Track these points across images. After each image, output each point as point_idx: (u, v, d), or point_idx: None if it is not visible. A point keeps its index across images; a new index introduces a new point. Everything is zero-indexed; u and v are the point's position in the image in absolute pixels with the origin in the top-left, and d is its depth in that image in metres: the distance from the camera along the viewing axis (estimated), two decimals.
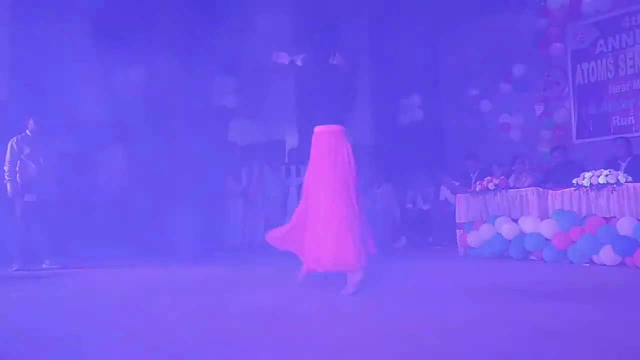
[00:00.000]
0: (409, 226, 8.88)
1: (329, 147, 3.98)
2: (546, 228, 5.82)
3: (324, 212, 3.84)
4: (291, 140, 9.39)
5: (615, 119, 7.90)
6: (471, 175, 7.94)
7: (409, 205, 9.06)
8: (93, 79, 7.07)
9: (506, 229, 6.20)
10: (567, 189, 5.89)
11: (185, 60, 8.18)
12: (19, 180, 6.00)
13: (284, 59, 4.26)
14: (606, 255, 5.26)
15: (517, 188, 6.59)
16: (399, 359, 2.17)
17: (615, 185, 5.42)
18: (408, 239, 8.66)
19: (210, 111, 8.45)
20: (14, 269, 5.81)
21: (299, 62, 4.24)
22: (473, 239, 6.60)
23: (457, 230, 7.06)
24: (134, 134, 7.44)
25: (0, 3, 6.84)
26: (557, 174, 6.82)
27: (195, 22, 7.93)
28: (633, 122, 7.68)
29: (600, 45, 8.08)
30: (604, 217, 5.46)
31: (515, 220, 6.25)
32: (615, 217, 5.37)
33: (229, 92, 8.50)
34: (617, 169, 5.98)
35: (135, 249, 6.52)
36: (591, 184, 5.58)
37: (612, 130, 7.83)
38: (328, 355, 2.21)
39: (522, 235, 6.08)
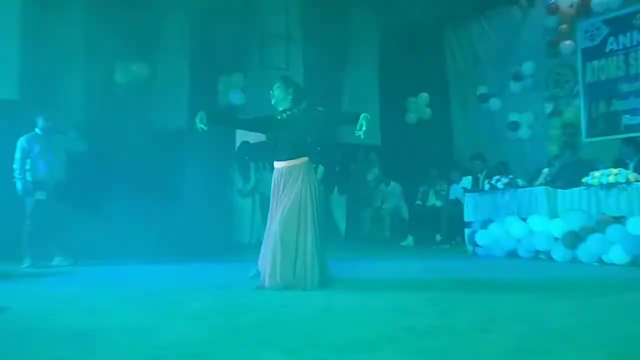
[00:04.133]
0: (417, 224, 8.83)
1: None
2: (556, 227, 5.79)
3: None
4: None
5: (626, 117, 7.84)
6: (479, 175, 7.90)
7: (418, 202, 9.01)
8: (96, 77, 7.11)
9: (515, 227, 6.17)
10: (577, 188, 5.86)
11: (191, 58, 8.21)
12: (29, 179, 6.04)
13: None
14: (616, 254, 5.23)
15: (525, 187, 6.56)
16: (410, 358, 2.16)
17: (625, 185, 5.39)
18: (416, 237, 8.62)
19: (217, 109, 8.45)
20: (24, 266, 5.85)
21: None
22: (482, 237, 6.58)
23: (466, 229, 7.04)
24: (137, 133, 7.46)
25: (9, 2, 6.87)
26: (567, 173, 6.78)
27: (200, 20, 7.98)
28: None
29: (611, 43, 8.02)
30: (613, 217, 5.43)
31: (525, 219, 6.23)
32: (625, 216, 5.34)
33: (236, 90, 8.50)
34: (626, 168, 5.95)
35: (145, 247, 6.54)
36: (601, 183, 5.55)
37: (622, 129, 7.77)
38: (335, 355, 2.21)
39: (532, 234, 6.06)
